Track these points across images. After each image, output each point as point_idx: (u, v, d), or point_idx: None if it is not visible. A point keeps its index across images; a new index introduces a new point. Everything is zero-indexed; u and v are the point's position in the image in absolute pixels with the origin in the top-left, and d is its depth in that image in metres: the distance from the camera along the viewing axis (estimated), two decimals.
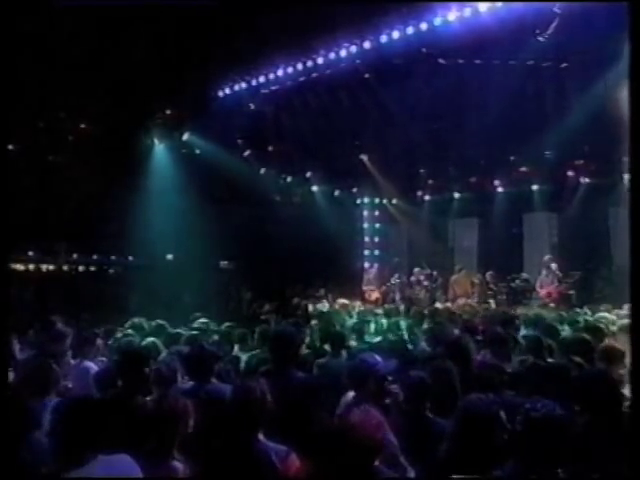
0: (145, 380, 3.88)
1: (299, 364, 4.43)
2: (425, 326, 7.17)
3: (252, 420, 3.00)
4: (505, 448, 2.70)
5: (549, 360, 4.56)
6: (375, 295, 15.88)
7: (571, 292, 13.23)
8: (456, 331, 6.27)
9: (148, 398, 3.83)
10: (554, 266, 13.56)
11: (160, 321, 6.73)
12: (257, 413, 3.01)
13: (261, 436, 2.98)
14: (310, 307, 12.51)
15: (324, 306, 12.97)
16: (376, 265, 17.94)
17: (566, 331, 6.28)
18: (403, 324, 7.53)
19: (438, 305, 12.49)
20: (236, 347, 6.08)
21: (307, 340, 6.54)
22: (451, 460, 2.82)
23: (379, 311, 10.06)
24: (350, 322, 8.02)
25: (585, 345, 4.66)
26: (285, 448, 2.93)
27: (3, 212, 2.90)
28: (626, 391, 3.23)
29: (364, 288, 16.44)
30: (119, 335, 6.16)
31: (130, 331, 6.28)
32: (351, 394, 3.75)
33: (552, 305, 12.53)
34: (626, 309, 7.52)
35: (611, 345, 4.59)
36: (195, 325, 6.91)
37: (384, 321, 8.12)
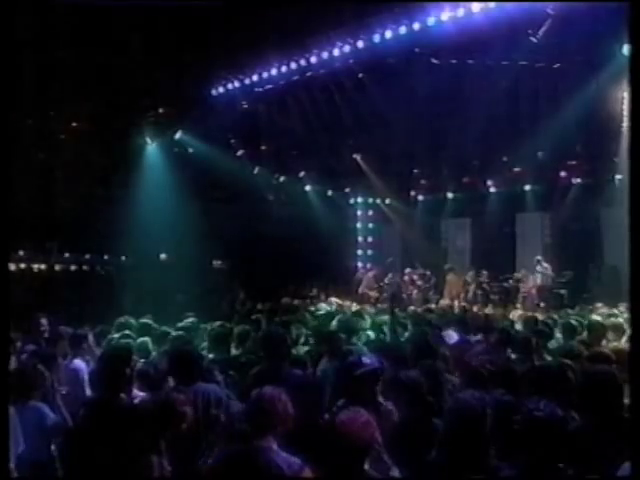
0: (127, 380, 3.80)
1: (295, 363, 4.41)
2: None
3: (262, 427, 2.80)
4: (488, 445, 2.68)
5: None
6: (375, 295, 15.82)
7: (563, 292, 13.30)
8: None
9: (136, 400, 3.80)
10: (545, 265, 13.62)
11: (146, 319, 6.50)
12: (269, 420, 2.80)
13: (275, 445, 2.78)
14: (312, 307, 12.38)
15: (322, 307, 12.85)
16: (368, 265, 17.93)
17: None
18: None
19: (414, 307, 12.38)
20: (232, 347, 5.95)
21: (303, 340, 6.46)
22: (444, 460, 2.81)
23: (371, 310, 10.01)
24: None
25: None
26: (299, 461, 2.75)
27: (4, 212, 2.87)
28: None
29: (365, 289, 16.31)
30: (115, 335, 6.06)
31: (127, 332, 6.15)
32: None
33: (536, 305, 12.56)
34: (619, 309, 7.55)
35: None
36: (183, 324, 6.65)
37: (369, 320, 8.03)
